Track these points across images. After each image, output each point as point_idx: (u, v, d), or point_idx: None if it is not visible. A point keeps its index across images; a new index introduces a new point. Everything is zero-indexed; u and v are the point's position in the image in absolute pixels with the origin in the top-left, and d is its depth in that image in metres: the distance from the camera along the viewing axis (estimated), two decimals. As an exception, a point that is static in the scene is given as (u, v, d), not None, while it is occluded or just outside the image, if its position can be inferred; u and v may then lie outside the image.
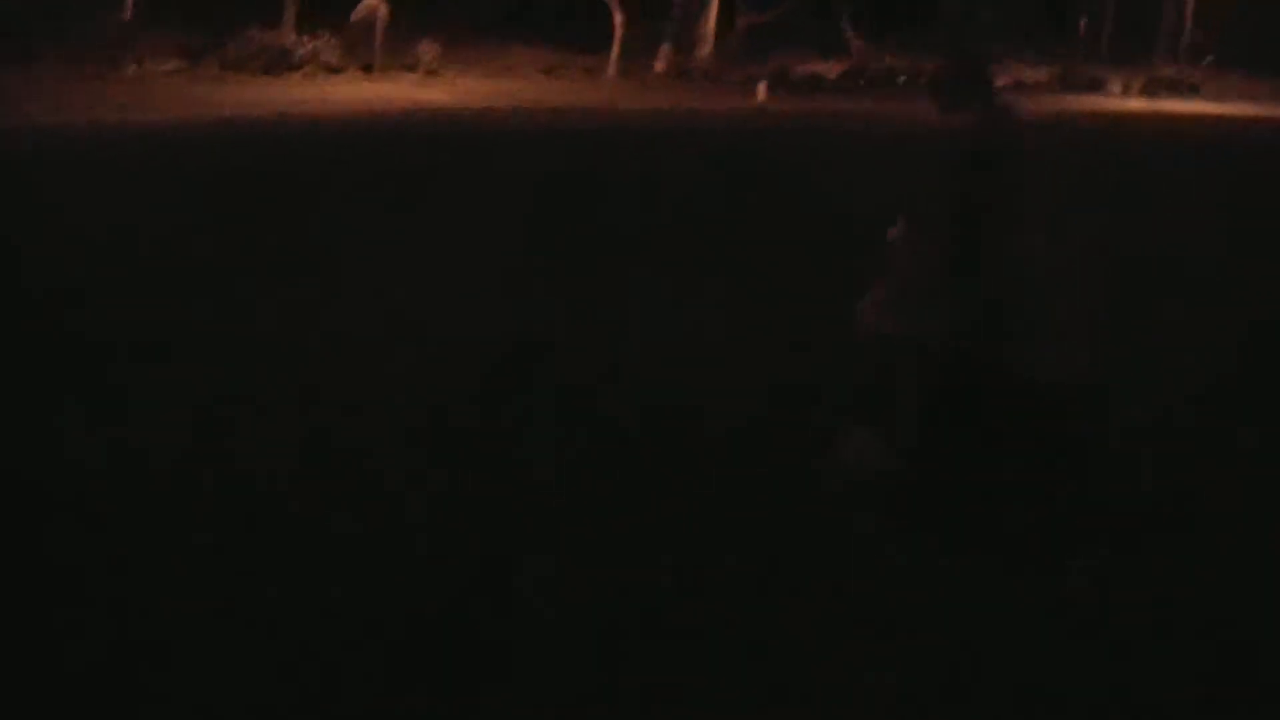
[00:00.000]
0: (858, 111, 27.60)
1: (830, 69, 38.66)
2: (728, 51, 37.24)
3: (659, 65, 34.76)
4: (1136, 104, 36.00)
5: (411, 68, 31.09)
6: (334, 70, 29.66)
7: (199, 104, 22.42)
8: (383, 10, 30.70)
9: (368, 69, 29.99)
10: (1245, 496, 6.02)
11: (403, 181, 14.30)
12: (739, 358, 7.69)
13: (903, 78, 38.29)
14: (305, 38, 30.48)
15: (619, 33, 34.02)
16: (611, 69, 33.68)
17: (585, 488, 5.71)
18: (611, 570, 4.89)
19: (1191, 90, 40.80)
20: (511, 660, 4.29)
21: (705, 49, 36.44)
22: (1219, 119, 31.33)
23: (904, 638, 4.52)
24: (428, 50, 31.54)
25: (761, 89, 28.95)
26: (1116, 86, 41.06)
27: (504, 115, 22.62)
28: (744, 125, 23.68)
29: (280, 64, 28.98)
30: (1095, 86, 40.58)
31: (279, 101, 23.49)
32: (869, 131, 22.85)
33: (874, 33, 41.36)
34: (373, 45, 30.47)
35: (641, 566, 4.95)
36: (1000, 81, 34.62)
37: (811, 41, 40.97)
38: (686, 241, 11.37)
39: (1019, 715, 4.14)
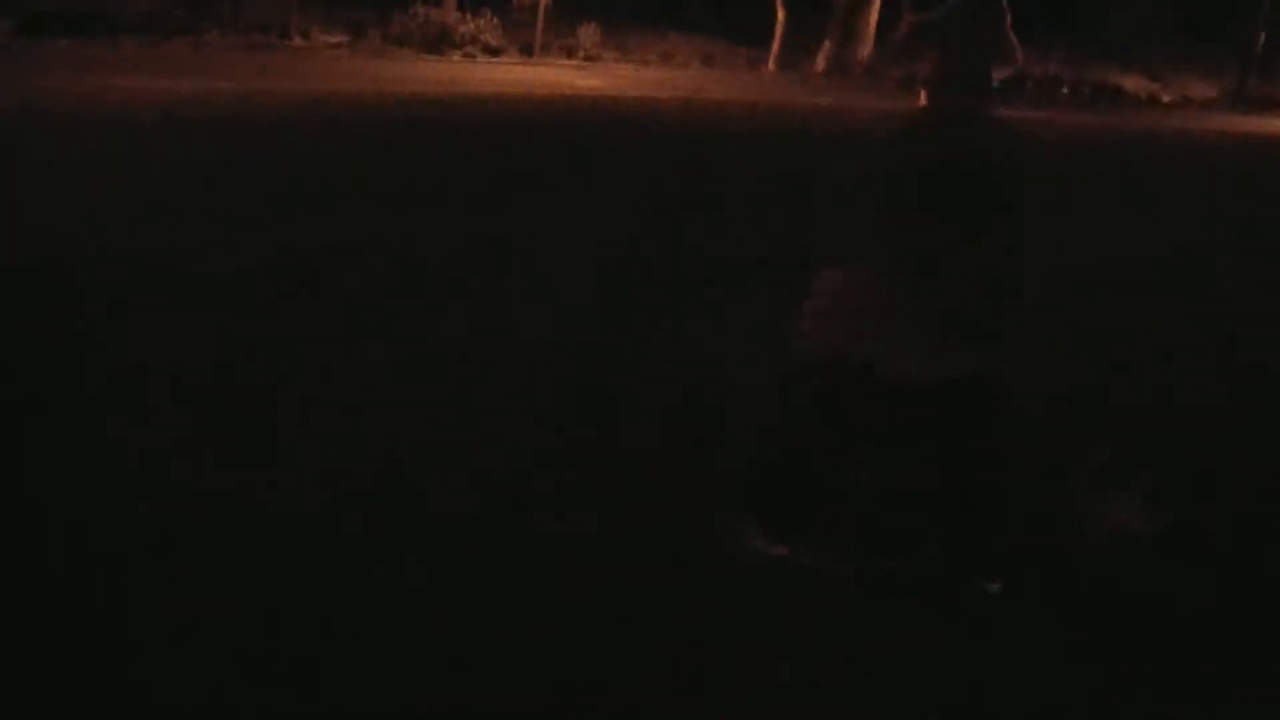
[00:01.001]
0: (1021, 120, 26.87)
1: (995, 73, 37.88)
2: (889, 50, 36.61)
3: (819, 62, 34.28)
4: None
5: (570, 52, 31.02)
6: (493, 50, 29.69)
7: (358, 78, 22.51)
8: (546, -8, 30.70)
9: (527, 51, 29.98)
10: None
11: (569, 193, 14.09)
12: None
13: (1065, 88, 37.37)
14: (468, 16, 30.60)
15: (780, 27, 33.62)
16: (771, 63, 33.30)
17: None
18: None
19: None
20: None
21: (866, 47, 35.84)
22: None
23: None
24: (587, 35, 31.44)
25: (924, 93, 28.26)
26: (1291, 103, 39.65)
27: (667, 107, 22.32)
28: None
29: (441, 42, 29.08)
30: (1266, 105, 39.23)
31: (437, 80, 23.54)
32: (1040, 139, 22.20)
33: (1037, 36, 40.42)
34: (533, 27, 30.43)
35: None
36: (1166, 97, 33.58)
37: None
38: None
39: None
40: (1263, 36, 44.71)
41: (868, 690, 4.13)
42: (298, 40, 27.81)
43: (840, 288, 4.50)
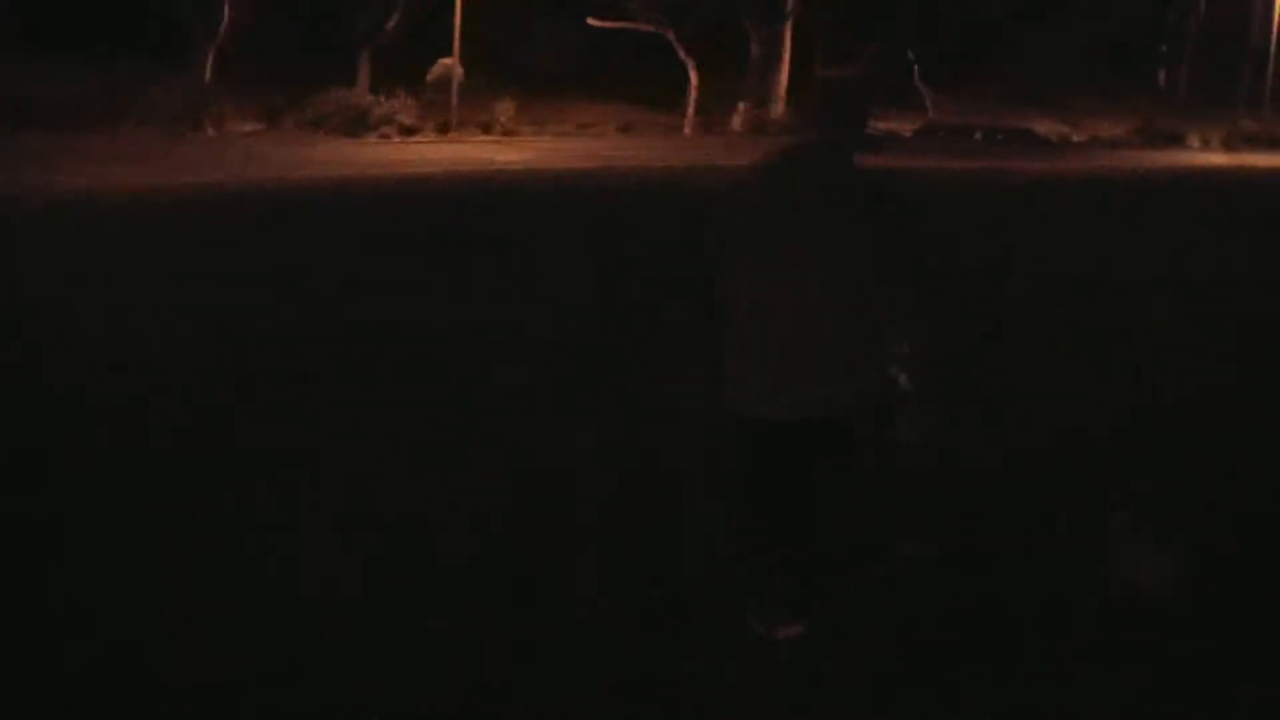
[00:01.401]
0: (942, 171, 27.05)
1: (905, 126, 38.27)
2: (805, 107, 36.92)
3: (735, 122, 34.53)
4: (1219, 158, 35.31)
5: (487, 127, 31.01)
6: (409, 130, 29.62)
7: (270, 165, 22.26)
8: (458, 70, 30.68)
9: (443, 129, 29.94)
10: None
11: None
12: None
13: (979, 134, 37.84)
14: (381, 97, 30.51)
15: (694, 90, 33.85)
16: (688, 127, 33.51)
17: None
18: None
19: (1273, 143, 40.09)
20: None
21: (780, 105, 36.17)
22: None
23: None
24: (503, 109, 31.48)
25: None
26: (1195, 140, 40.45)
27: (590, 177, 22.22)
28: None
29: (357, 124, 28.98)
30: (1175, 140, 39.99)
31: (353, 163, 23.33)
32: (974, 189, 22.32)
33: (947, 86, 40.96)
34: (448, 105, 30.41)
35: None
36: (1076, 138, 33.91)
37: (884, 97, 40.61)
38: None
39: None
40: (1163, 75, 45.88)
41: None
42: (210, 131, 27.61)
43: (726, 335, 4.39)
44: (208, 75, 29.54)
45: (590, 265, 12.27)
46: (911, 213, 4.51)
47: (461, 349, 8.83)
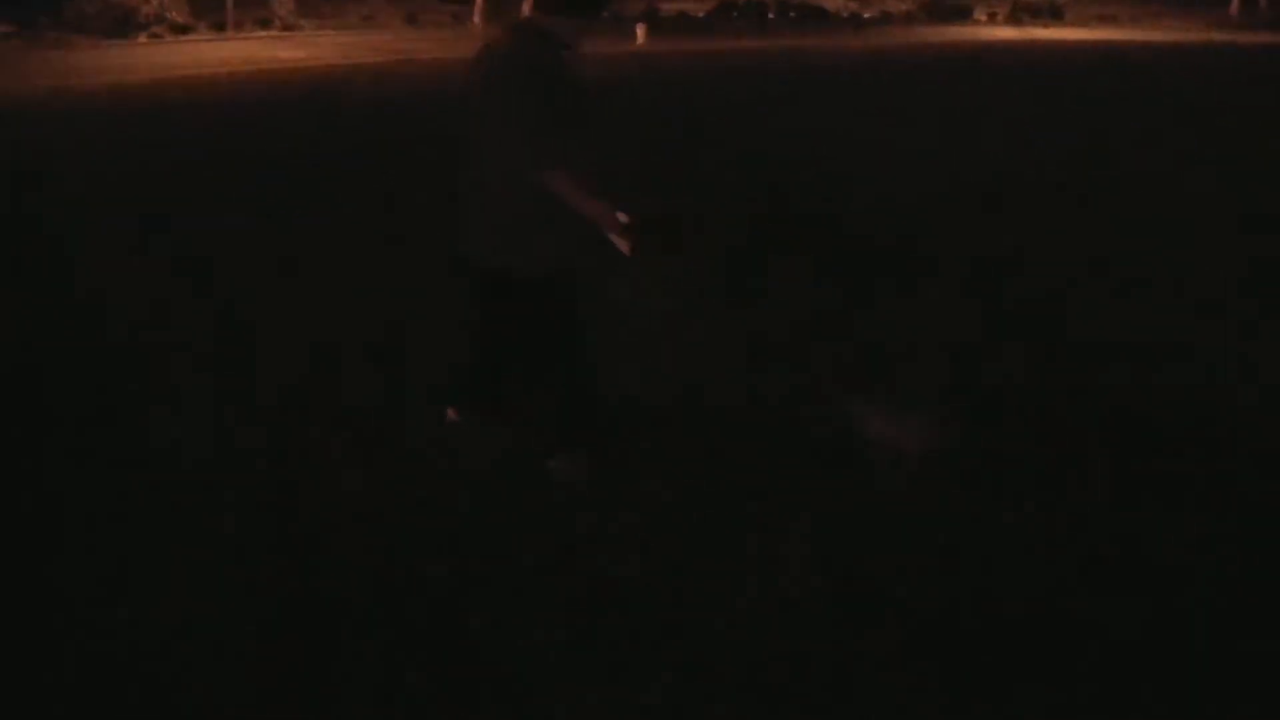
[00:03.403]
0: (740, 51, 26.53)
1: (698, 6, 37.62)
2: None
3: (526, 8, 33.31)
4: (1006, 32, 35.59)
5: (266, 24, 29.26)
6: (183, 29, 27.74)
7: (32, 75, 20.48)
8: (231, -37, 28.85)
9: (219, 27, 28.12)
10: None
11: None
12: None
13: (771, 14, 37.44)
14: (148, -4, 28.54)
15: (483, -23, 32.55)
16: (477, 15, 32.22)
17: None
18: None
19: (1054, 15, 40.69)
20: None
21: (569, -10, 35.07)
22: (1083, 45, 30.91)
23: None
24: (281, 3, 29.77)
25: (640, 31, 27.72)
26: (982, 14, 40.78)
27: (379, 72, 20.96)
28: (649, 73, 22.30)
29: (124, 25, 26.99)
30: (961, 14, 40.26)
31: (125, 67, 21.62)
32: (786, 68, 21.80)
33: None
34: (223, 1, 28.58)
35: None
36: (867, 14, 34.00)
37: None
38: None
39: None
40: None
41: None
42: (-39, 36, 25.39)
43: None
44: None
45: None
46: (556, 92, 4.54)
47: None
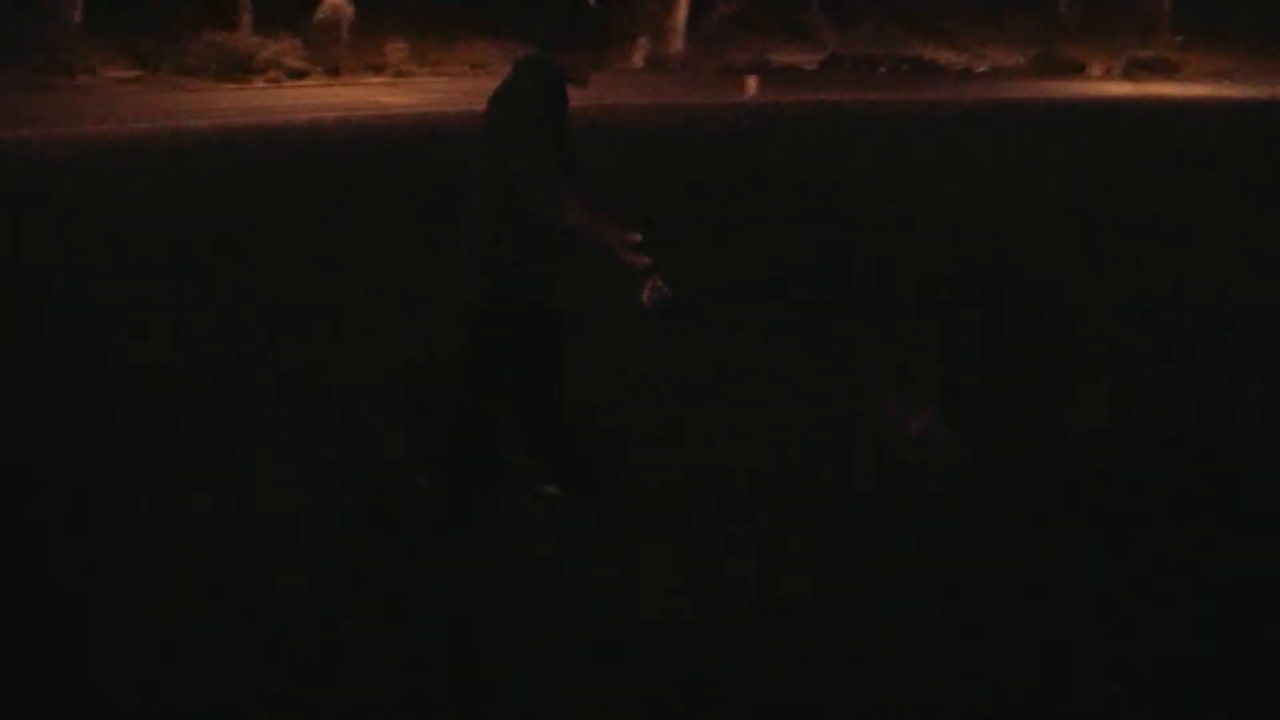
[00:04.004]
0: (854, 103, 26.35)
1: (808, 59, 37.47)
2: (701, 42, 35.99)
3: (636, 58, 33.45)
4: (1120, 88, 35.01)
5: (379, 69, 29.61)
6: (298, 74, 28.13)
7: (152, 113, 20.83)
8: (347, 9, 29.22)
9: (333, 72, 28.49)
10: None
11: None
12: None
13: (882, 68, 37.20)
14: (265, 40, 28.94)
15: (592, 26, 32.71)
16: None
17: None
18: None
19: (1170, 71, 39.96)
20: None
21: (679, 41, 35.19)
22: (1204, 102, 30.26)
23: None
24: (395, 50, 30.07)
25: (752, 83, 27.61)
26: (1096, 69, 40.18)
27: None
28: (756, 125, 22.24)
29: (240, 69, 27.41)
30: (1075, 69, 39.67)
31: (241, 109, 21.96)
32: (899, 121, 21.60)
33: (844, 18, 40.23)
34: (337, 46, 28.96)
35: None
36: (979, 68, 33.73)
37: (780, 29, 39.84)
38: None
39: None
40: (1062, 2, 45.46)
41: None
42: (83, 78, 25.91)
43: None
44: (78, 17, 27.68)
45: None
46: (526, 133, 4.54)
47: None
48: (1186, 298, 9.21)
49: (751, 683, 3.90)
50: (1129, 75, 38.44)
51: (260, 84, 27.13)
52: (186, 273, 9.37)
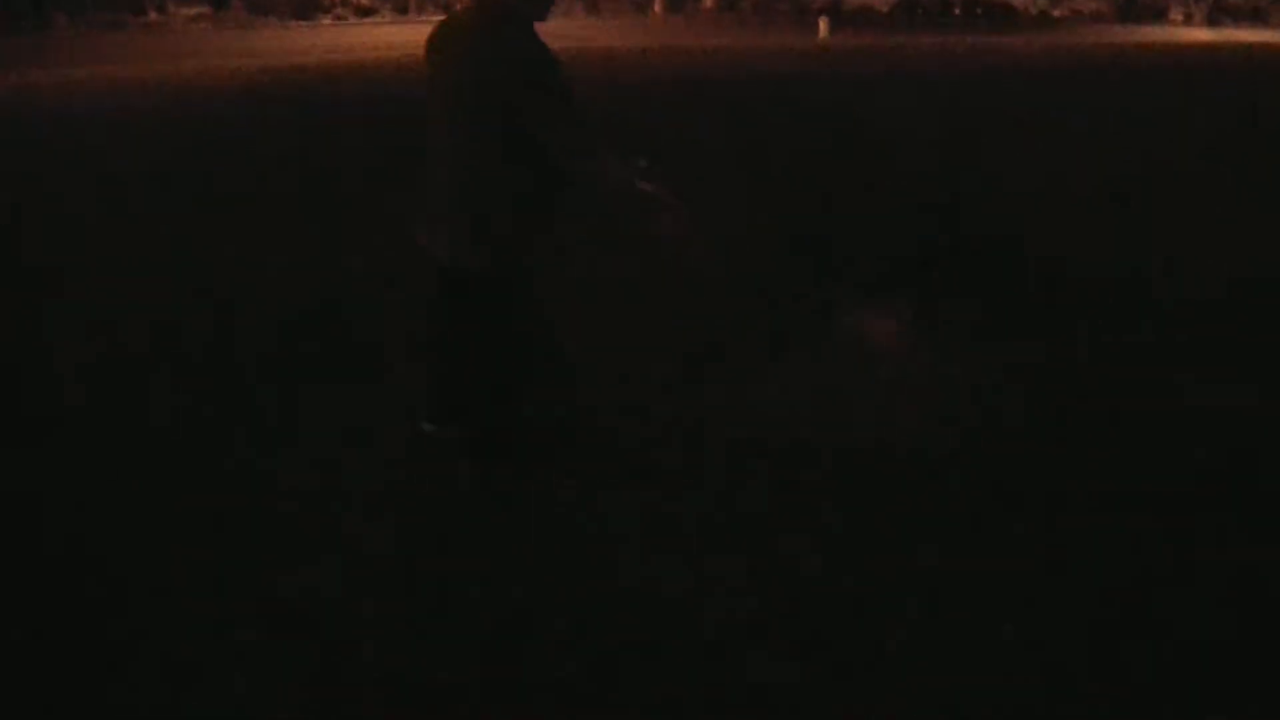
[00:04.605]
0: (929, 47, 25.84)
1: (880, 0, 36.92)
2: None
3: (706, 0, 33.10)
4: (1202, 34, 34.20)
5: (448, 7, 29.40)
6: (365, 11, 28.02)
7: (226, 53, 20.77)
8: (415, -54, 29.05)
9: (402, 10, 28.34)
10: None
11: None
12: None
13: (957, 10, 36.57)
14: (333, -24, 28.91)
15: (664, -34, 32.33)
16: (658, 5, 32.02)
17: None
18: None
19: (1256, 17, 39.01)
20: None
21: (750, -20, 34.74)
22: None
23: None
24: (466, -13, 29.90)
25: (823, 26, 27.17)
26: (1177, 14, 39.30)
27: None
28: (826, 71, 21.83)
29: (310, 7, 27.35)
30: (1157, 14, 38.82)
31: (311, 49, 21.85)
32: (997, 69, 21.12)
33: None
34: (406, -16, 28.85)
35: None
36: (1056, 12, 33.04)
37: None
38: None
39: None
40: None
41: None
42: (153, 15, 25.94)
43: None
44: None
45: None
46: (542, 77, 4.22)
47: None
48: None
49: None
50: (1211, 21, 37.50)
51: (328, 21, 27.03)
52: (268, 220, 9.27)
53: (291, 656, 3.91)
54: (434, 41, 4.45)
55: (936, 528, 4.60)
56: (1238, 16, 38.68)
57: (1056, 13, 38.28)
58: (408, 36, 24.29)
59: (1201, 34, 34.26)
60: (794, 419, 5.52)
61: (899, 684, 3.85)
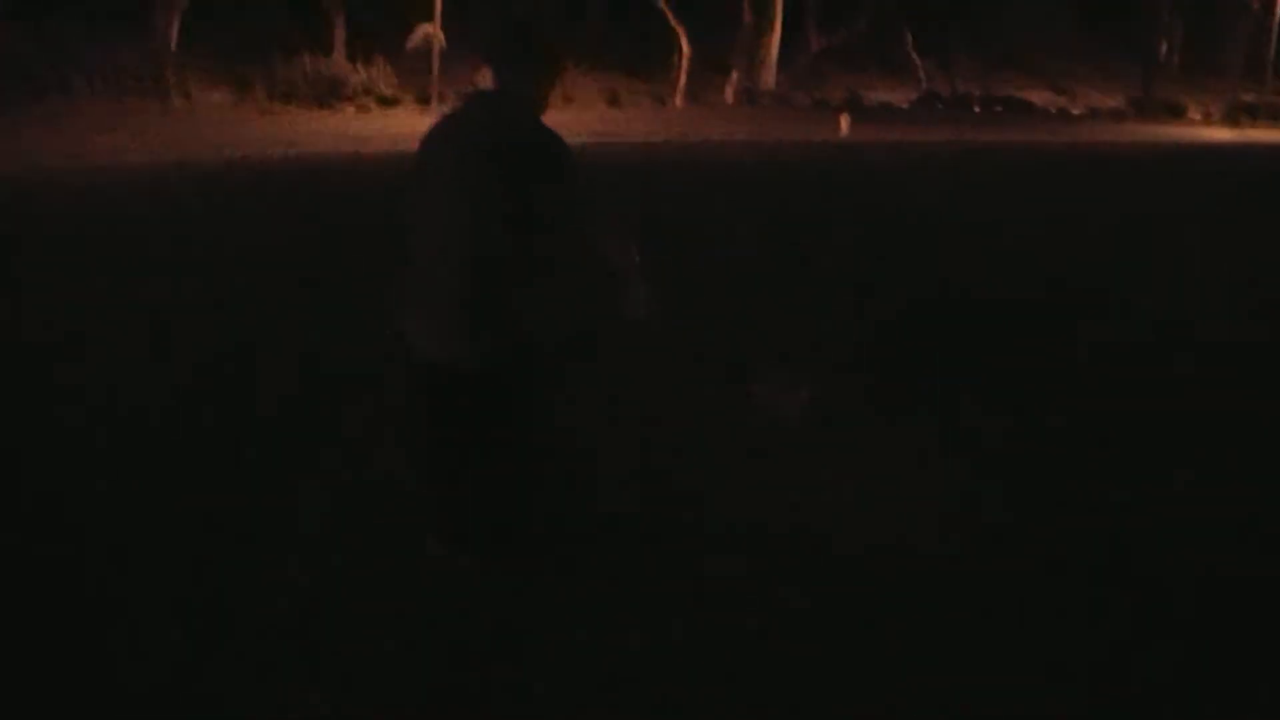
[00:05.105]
0: (951, 143, 25.88)
1: (901, 96, 37.02)
2: (794, 77, 35.64)
3: (728, 93, 33.17)
4: (1220, 133, 34.19)
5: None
6: (388, 101, 28.10)
7: (243, 140, 20.83)
8: (439, 37, 29.14)
9: (424, 100, 28.41)
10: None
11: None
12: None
13: (977, 107, 36.65)
14: (358, 65, 28.98)
15: (685, 60, 32.42)
16: (679, 98, 32.09)
17: None
18: None
19: (1275, 116, 38.97)
20: None
21: (770, 74, 34.84)
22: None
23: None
24: (486, 79, 29.92)
25: (844, 121, 27.22)
26: (1196, 112, 39.31)
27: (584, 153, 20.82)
28: (848, 163, 21.87)
29: (332, 95, 27.41)
30: (1175, 112, 38.84)
31: (330, 136, 21.97)
32: (1009, 163, 21.15)
33: (939, 55, 39.72)
34: (429, 73, 28.88)
35: None
36: (1075, 110, 33.08)
37: (873, 64, 39.47)
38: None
39: None
40: (1162, 46, 44.68)
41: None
42: (178, 100, 26.03)
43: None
44: (173, 40, 27.83)
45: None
46: (562, 169, 4.31)
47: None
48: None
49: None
50: (1230, 119, 37.51)
51: (351, 110, 27.13)
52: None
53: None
54: (435, 135, 4.47)
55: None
56: (1256, 115, 38.68)
57: (1076, 110, 38.30)
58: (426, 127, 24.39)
59: (1219, 132, 34.27)
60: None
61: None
